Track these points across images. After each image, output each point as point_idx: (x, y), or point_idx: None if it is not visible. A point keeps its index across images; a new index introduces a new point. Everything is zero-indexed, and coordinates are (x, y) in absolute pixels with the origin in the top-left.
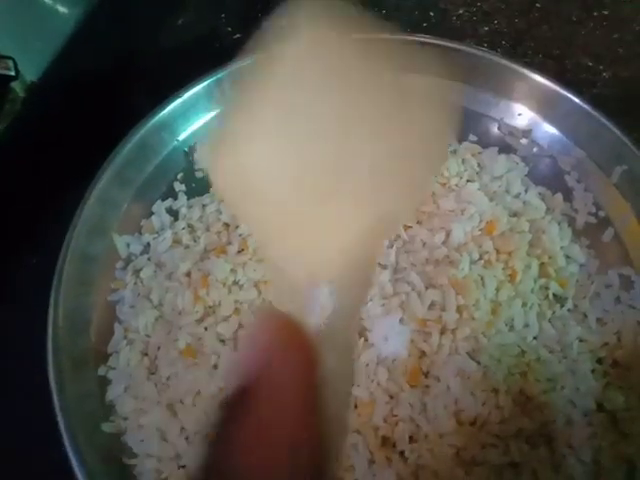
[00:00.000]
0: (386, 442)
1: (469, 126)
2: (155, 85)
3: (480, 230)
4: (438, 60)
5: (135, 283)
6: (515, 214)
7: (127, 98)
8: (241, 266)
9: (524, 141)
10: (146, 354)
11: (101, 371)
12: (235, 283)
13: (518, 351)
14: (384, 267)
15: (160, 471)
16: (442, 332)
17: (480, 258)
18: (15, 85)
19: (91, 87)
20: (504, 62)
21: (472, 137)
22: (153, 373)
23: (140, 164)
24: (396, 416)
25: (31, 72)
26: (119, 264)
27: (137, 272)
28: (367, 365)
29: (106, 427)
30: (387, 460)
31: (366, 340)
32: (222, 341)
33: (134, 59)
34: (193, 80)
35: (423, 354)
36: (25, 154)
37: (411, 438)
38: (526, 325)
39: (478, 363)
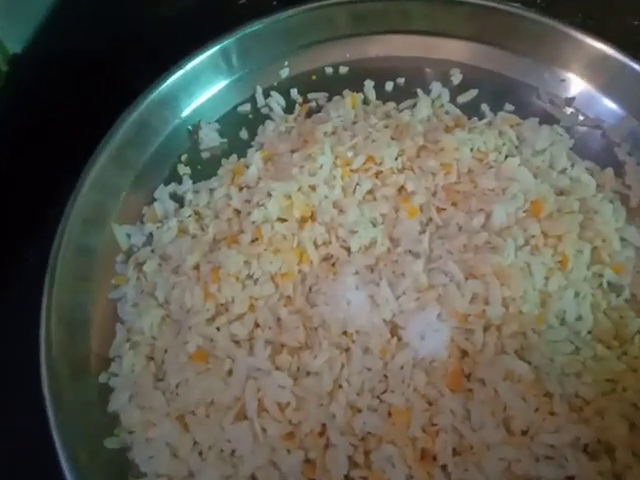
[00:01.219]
0: (426, 455)
1: (505, 95)
2: (154, 56)
3: (525, 211)
4: (469, 21)
5: (138, 278)
6: (562, 192)
7: (123, 72)
8: (255, 257)
9: (568, 110)
10: (152, 358)
11: (102, 378)
12: (249, 277)
13: (572, 348)
14: (417, 255)
15: None
16: (486, 328)
17: (526, 243)
18: None
19: (83, 60)
20: (545, 21)
21: (509, 106)
22: (160, 380)
23: (139, 145)
24: (436, 425)
25: (14, 43)
26: (119, 257)
27: (140, 266)
28: (402, 368)
29: (109, 443)
30: (428, 476)
31: (399, 339)
32: (237, 342)
33: (130, 28)
34: (196, 49)
35: (465, 354)
36: (10, 136)
37: (454, 450)
38: (579, 318)
39: (528, 363)
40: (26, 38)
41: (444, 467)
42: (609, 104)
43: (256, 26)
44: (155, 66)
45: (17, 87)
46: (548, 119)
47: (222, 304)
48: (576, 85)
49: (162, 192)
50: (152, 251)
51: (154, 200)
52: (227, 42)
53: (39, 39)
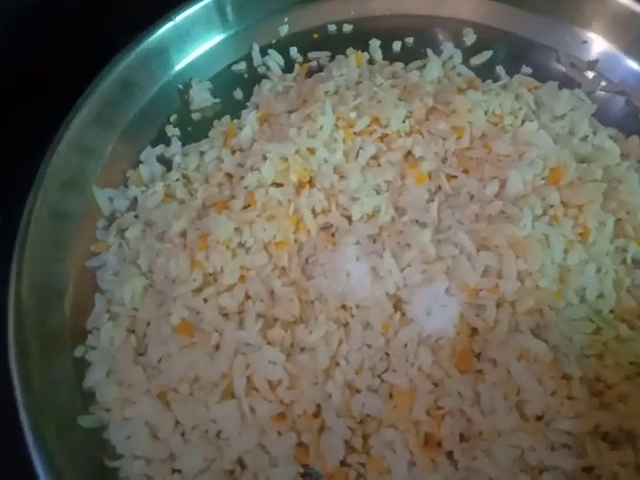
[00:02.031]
0: (430, 440)
1: (522, 57)
2: (143, 6)
3: (543, 179)
4: None
5: (120, 245)
6: (584, 160)
7: (109, 23)
8: (248, 224)
9: (590, 74)
10: (133, 331)
11: (78, 352)
12: (241, 245)
13: (592, 328)
14: (423, 225)
15: (150, 476)
16: (499, 304)
17: (544, 213)
18: None
19: (63, 10)
20: None
21: (526, 69)
22: (141, 354)
23: (125, 103)
24: (442, 408)
25: None
26: (100, 223)
27: (122, 232)
28: (405, 345)
29: (84, 421)
30: (432, 463)
31: (403, 314)
32: (225, 315)
33: None
34: (188, 0)
35: (475, 332)
36: None
37: (462, 436)
38: (601, 295)
39: (545, 342)
40: None
41: (450, 454)
42: (634, 67)
43: None
44: (145, 18)
45: None
46: (568, 83)
47: (210, 274)
48: (598, 46)
49: (149, 154)
50: (136, 216)
51: (140, 162)
52: None
53: None
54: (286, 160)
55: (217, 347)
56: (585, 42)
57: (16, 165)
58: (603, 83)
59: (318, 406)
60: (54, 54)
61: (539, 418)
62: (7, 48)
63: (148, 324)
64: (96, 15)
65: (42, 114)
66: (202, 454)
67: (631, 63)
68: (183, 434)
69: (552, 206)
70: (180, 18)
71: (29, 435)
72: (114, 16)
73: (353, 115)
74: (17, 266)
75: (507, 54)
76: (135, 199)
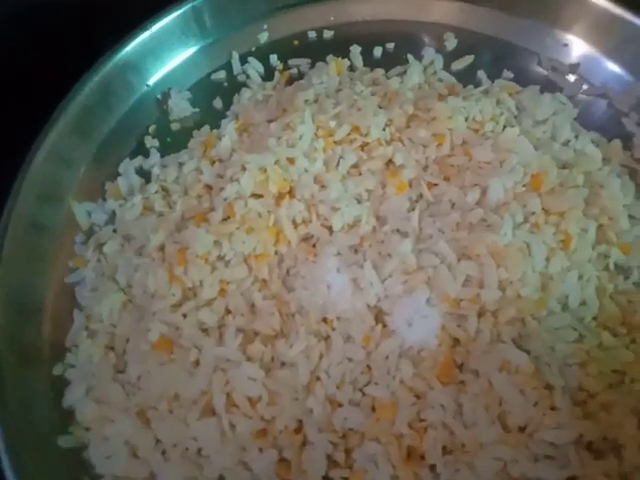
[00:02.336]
0: (413, 454)
1: (503, 60)
2: (119, 16)
3: (524, 186)
4: None
5: (98, 260)
6: (565, 166)
7: (87, 31)
8: (227, 237)
9: (571, 77)
10: (112, 348)
11: (57, 370)
12: (220, 258)
13: (575, 336)
14: (405, 235)
15: None
16: (480, 314)
17: (525, 221)
18: None
19: (40, 18)
20: None
21: (507, 73)
22: (121, 372)
23: (102, 114)
24: (424, 421)
25: None
26: (79, 237)
27: (100, 246)
28: (387, 358)
29: (63, 441)
30: (415, 476)
31: (385, 326)
32: (205, 331)
33: None
34: (165, 8)
35: (457, 343)
36: None
37: (444, 449)
38: (583, 303)
39: (527, 353)
40: None
41: (433, 467)
42: (616, 70)
43: None
44: (123, 26)
45: None
46: (550, 87)
47: (189, 288)
48: (580, 50)
49: (127, 166)
50: (114, 230)
51: (118, 175)
52: (199, 0)
53: None
54: (265, 171)
55: (196, 363)
56: (566, 45)
57: None
58: (585, 86)
59: (299, 421)
60: (33, 60)
61: (522, 429)
62: None
63: (127, 341)
64: (79, 19)
65: (19, 122)
66: (183, 472)
67: (612, 66)
68: (163, 452)
69: (533, 213)
70: (157, 27)
71: (4, 456)
72: (93, 24)
73: (333, 124)
74: None
75: (489, 58)
76: (113, 212)
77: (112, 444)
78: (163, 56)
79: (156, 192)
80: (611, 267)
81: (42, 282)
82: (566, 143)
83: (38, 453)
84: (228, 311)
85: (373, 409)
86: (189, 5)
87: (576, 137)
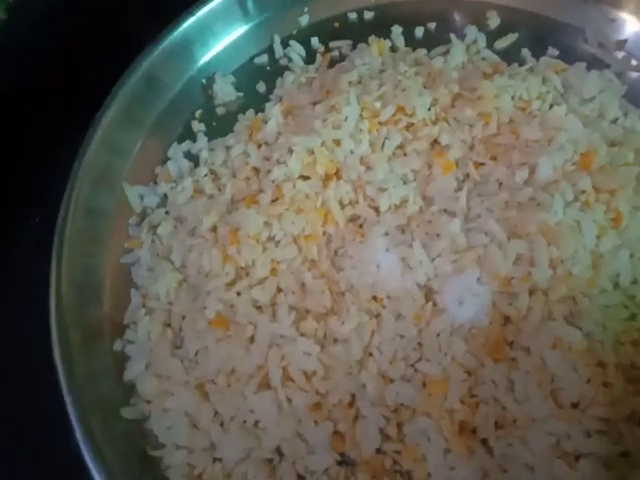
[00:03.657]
0: (464, 428)
1: (548, 38)
2: (165, 3)
3: (574, 164)
4: None
5: (152, 241)
6: (614, 143)
7: (133, 21)
8: (276, 218)
9: (619, 54)
10: (169, 325)
11: (117, 346)
12: (270, 239)
13: (627, 314)
14: (452, 214)
15: (192, 465)
16: (532, 292)
17: (575, 199)
18: None
19: (86, 7)
20: None
21: (552, 51)
22: (178, 348)
23: (150, 100)
24: (476, 396)
25: None
26: (132, 220)
27: (154, 228)
28: (438, 335)
29: (126, 412)
30: (468, 450)
31: (435, 305)
32: (258, 308)
33: None
34: None
35: (508, 320)
36: (10, 94)
37: (496, 424)
38: (634, 281)
39: (579, 330)
40: None
41: (485, 441)
42: None
43: None
44: (166, 15)
45: (16, 38)
46: (597, 64)
47: (242, 268)
48: (628, 25)
49: (176, 150)
50: (166, 213)
51: (167, 159)
52: None
53: None
54: (312, 153)
55: (252, 339)
56: (614, 21)
57: (47, 164)
58: (633, 63)
59: (353, 396)
60: (82, 52)
61: (574, 405)
62: (36, 47)
63: (183, 318)
64: (120, 12)
65: (72, 112)
66: (241, 443)
67: None
68: (222, 424)
69: (583, 192)
70: (202, 12)
71: (76, 425)
72: (139, 13)
73: (378, 105)
74: (56, 263)
75: (532, 36)
76: (165, 195)
77: (172, 416)
78: (208, 41)
79: (205, 175)
80: None
81: (100, 263)
82: (614, 121)
83: (104, 423)
84: (280, 289)
85: (424, 385)
86: None
87: (625, 115)
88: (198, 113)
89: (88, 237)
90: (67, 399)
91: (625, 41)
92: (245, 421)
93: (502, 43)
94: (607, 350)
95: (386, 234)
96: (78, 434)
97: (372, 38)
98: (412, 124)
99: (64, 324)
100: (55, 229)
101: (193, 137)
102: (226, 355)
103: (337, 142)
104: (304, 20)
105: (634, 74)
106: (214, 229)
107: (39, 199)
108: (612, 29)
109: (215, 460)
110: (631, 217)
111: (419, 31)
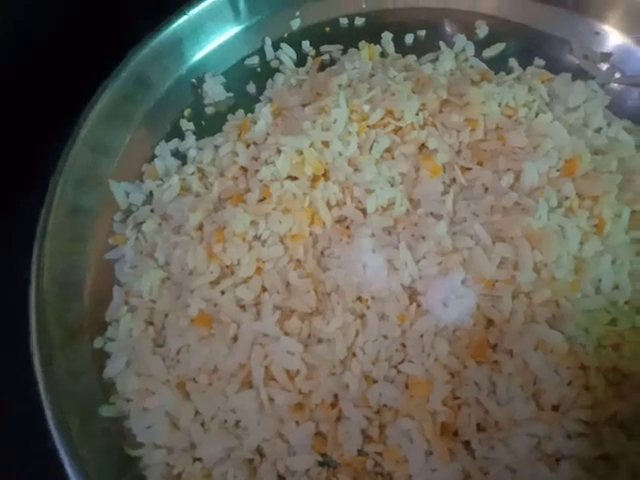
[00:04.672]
0: (446, 430)
1: (535, 49)
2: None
3: (558, 170)
4: None
5: (137, 238)
6: (598, 151)
7: (123, 18)
8: (263, 217)
9: (603, 66)
10: (151, 323)
11: (97, 343)
12: (256, 238)
13: (608, 318)
14: (439, 217)
15: (171, 465)
16: (515, 296)
17: (559, 205)
18: None
19: (76, 2)
20: None
21: (538, 61)
22: (160, 346)
23: (139, 98)
24: (458, 398)
25: None
26: (117, 216)
27: (139, 225)
28: (422, 336)
29: (104, 411)
30: (449, 452)
31: (419, 306)
32: (242, 307)
33: None
34: None
35: (491, 323)
36: None
37: (478, 426)
38: (616, 287)
39: (561, 333)
40: None
41: (467, 444)
42: None
43: None
44: (160, 13)
45: (3, 33)
46: (582, 75)
47: (227, 266)
48: (612, 38)
49: (163, 148)
50: (152, 210)
51: (154, 157)
52: None
53: None
54: (301, 153)
55: (235, 338)
56: (598, 34)
57: (33, 160)
58: (617, 75)
59: (335, 396)
60: (70, 45)
61: (555, 408)
62: (23, 41)
63: (166, 316)
64: (113, 7)
65: (59, 107)
66: (222, 443)
67: None
68: (203, 424)
69: (567, 198)
70: (193, 12)
71: (53, 424)
72: (129, 12)
73: (367, 108)
74: (37, 259)
75: (520, 46)
76: (151, 193)
77: (152, 415)
78: (199, 41)
79: (192, 173)
80: None
81: (83, 260)
82: (598, 130)
83: (83, 422)
84: (264, 289)
85: (407, 386)
86: None
87: (608, 125)
88: (187, 112)
89: (71, 233)
90: (44, 397)
91: (609, 54)
92: (226, 421)
93: (490, 52)
94: (589, 353)
95: (372, 235)
96: (55, 433)
97: (362, 43)
98: (400, 128)
99: (44, 320)
100: (37, 226)
101: (181, 136)
102: (208, 353)
103: (326, 144)
104: (296, 24)
105: (617, 86)
106: (200, 227)
107: (25, 196)
108: (597, 42)
109: (195, 460)
110: (613, 224)
111: (409, 38)
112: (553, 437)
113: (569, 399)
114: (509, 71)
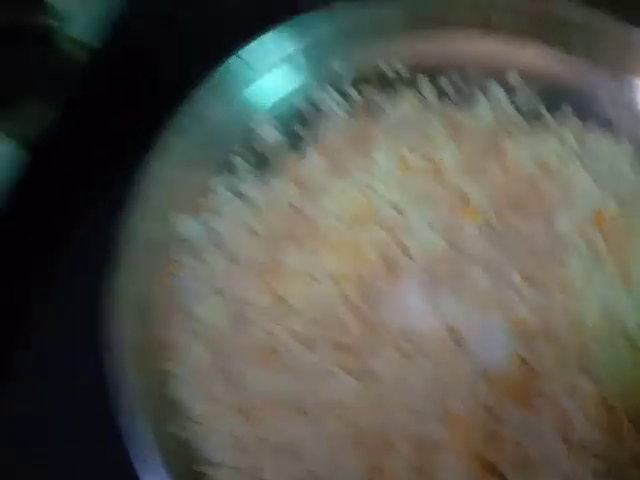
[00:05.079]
0: (486, 465)
1: (564, 98)
2: (214, 43)
3: (588, 219)
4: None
5: (196, 267)
6: (626, 201)
7: (182, 66)
8: (314, 255)
9: (630, 115)
10: (213, 349)
11: (165, 366)
12: (308, 274)
13: (634, 358)
14: (476, 261)
15: None
16: (548, 339)
17: (589, 253)
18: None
19: (149, 55)
20: (609, 23)
21: (567, 109)
22: (222, 371)
23: (195, 136)
24: (497, 435)
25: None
26: (176, 247)
27: (198, 254)
28: (462, 375)
29: (173, 429)
30: None
31: (460, 346)
32: (297, 339)
33: (187, 23)
34: (253, 37)
35: (525, 364)
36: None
37: (515, 462)
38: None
39: (591, 375)
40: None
41: (501, 477)
42: None
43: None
44: (217, 54)
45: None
46: (609, 125)
47: (283, 298)
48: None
49: (216, 183)
50: (209, 241)
51: (209, 191)
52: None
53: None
54: (346, 195)
55: (291, 368)
56: (625, 83)
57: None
58: None
59: (386, 429)
60: (140, 95)
61: (583, 446)
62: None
63: (227, 342)
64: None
65: (123, 149)
66: (283, 467)
67: None
68: (266, 447)
69: (596, 246)
70: (246, 54)
71: (129, 437)
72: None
73: (407, 153)
74: (116, 285)
75: (551, 95)
76: (207, 225)
77: (218, 436)
78: (249, 80)
79: (244, 208)
80: None
81: (149, 286)
82: (626, 180)
83: (156, 439)
84: (317, 322)
85: (450, 422)
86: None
87: (637, 174)
88: (237, 148)
89: (138, 264)
90: (122, 414)
91: (636, 103)
92: (286, 446)
93: (522, 100)
94: (614, 394)
95: (416, 277)
96: (131, 446)
97: (402, 88)
98: (440, 173)
99: (117, 344)
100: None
101: (233, 171)
102: (268, 381)
103: (369, 186)
104: (340, 67)
105: None
106: (255, 259)
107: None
108: (624, 91)
109: None
110: None
111: (446, 84)
112: (580, 475)
113: (597, 438)
114: (538, 118)
